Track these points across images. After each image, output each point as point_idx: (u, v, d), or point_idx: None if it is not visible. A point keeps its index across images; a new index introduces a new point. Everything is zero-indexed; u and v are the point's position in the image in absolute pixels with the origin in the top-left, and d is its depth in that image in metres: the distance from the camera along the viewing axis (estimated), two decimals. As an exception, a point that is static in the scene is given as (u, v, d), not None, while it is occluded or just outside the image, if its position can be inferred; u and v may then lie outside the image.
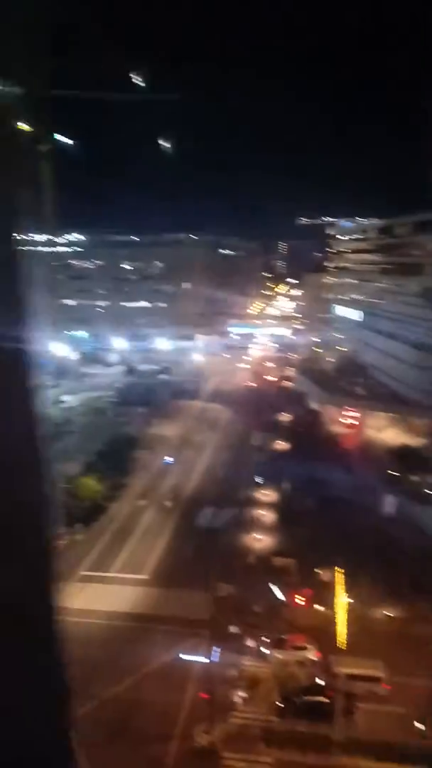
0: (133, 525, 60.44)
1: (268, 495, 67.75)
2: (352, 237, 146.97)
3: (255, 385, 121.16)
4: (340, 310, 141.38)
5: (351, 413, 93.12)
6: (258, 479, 70.83)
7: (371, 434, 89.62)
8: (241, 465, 77.20)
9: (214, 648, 36.86)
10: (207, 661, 35.37)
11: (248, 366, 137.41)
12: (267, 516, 62.50)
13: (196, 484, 71.74)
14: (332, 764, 30.98)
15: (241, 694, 35.36)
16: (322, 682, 36.50)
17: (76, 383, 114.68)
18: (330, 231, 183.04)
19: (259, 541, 56.42)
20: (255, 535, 56.71)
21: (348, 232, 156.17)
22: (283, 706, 34.56)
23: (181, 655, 37.82)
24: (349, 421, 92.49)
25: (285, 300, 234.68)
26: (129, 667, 38.45)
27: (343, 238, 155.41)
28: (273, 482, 69.72)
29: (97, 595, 47.75)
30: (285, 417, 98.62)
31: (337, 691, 33.61)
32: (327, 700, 34.32)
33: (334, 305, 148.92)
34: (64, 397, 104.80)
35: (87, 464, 68.62)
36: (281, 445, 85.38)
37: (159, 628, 43.11)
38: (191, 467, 76.86)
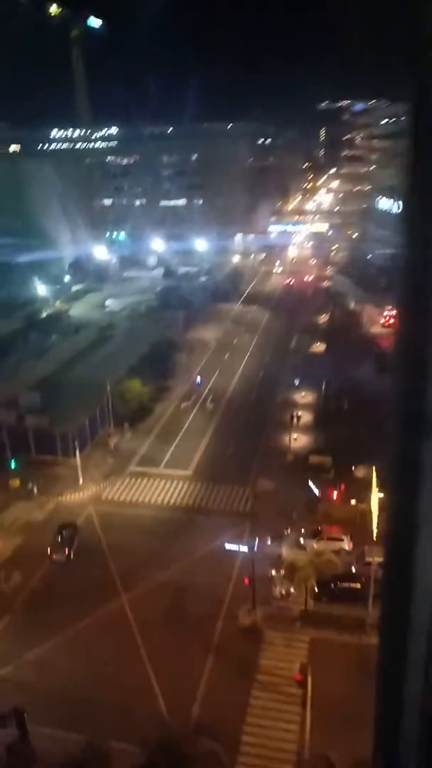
0: (177, 425, 63.30)
1: (305, 396, 69.20)
2: (383, 122, 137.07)
3: (294, 285, 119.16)
4: (382, 203, 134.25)
5: (390, 312, 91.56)
6: (296, 381, 72.07)
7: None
8: (279, 367, 78.25)
9: (256, 538, 39.87)
10: (249, 549, 38.41)
11: (287, 266, 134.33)
12: (304, 416, 64.25)
13: (236, 387, 73.58)
14: (364, 643, 34.31)
15: (281, 579, 38.65)
16: (356, 570, 39.45)
17: (117, 287, 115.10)
18: (363, 118, 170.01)
19: (297, 440, 58.56)
20: (293, 435, 58.76)
21: (374, 116, 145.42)
22: (319, 591, 37.78)
23: (225, 545, 41.09)
24: (389, 320, 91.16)
25: (324, 193, 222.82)
26: (177, 554, 42.21)
27: (377, 123, 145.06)
28: (310, 384, 70.85)
29: (147, 489, 51.45)
30: (323, 318, 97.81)
31: (369, 579, 36.36)
32: (360, 586, 37.27)
33: (375, 197, 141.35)
34: (108, 302, 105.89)
35: (132, 368, 70.80)
36: (319, 346, 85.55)
37: (204, 519, 46.63)
38: (231, 370, 78.38)
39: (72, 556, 42.38)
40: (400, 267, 2.16)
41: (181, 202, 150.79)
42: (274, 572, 39.30)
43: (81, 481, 51.22)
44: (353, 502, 46.85)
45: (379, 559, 38.45)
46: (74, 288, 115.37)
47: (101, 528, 45.85)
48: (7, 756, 25.41)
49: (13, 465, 52.05)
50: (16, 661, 33.39)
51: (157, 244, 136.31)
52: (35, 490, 50.27)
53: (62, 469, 53.41)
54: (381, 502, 42.09)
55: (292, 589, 38.14)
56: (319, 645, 34.36)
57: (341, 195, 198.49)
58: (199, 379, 73.94)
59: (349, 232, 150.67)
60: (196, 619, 36.46)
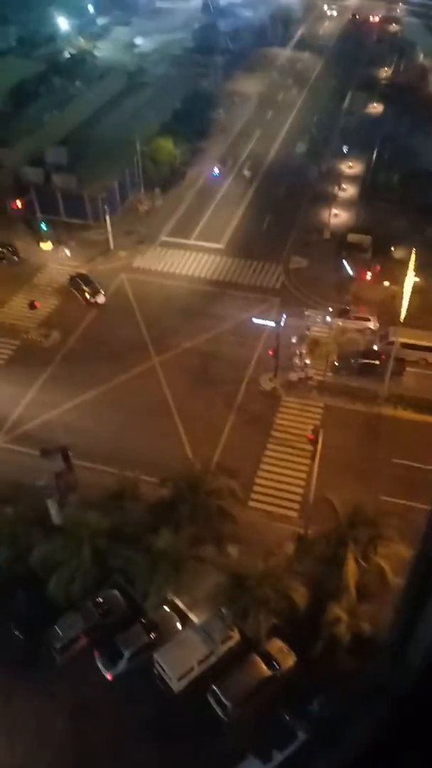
0: (210, 193, 60.14)
1: (352, 167, 63.84)
2: None
3: (355, 25, 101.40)
4: None
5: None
6: (344, 148, 65.79)
7: None
8: (327, 130, 70.80)
9: (283, 314, 40.55)
10: (275, 324, 39.38)
11: (347, 7, 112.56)
12: (349, 190, 60.13)
13: (277, 152, 67.75)
14: (374, 412, 37.00)
15: (304, 353, 40.30)
16: (378, 349, 40.68)
17: (148, 22, 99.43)
18: None
19: (337, 216, 55.70)
20: (333, 210, 55.69)
21: None
22: (339, 365, 39.56)
23: (253, 319, 42.12)
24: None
25: None
26: (206, 325, 43.64)
27: None
28: (360, 152, 64.76)
29: (178, 260, 51.10)
30: (385, 72, 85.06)
31: (389, 357, 37.70)
32: (378, 363, 38.83)
33: None
34: (137, 40, 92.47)
35: (163, 124, 64.80)
36: (376, 107, 76.04)
37: (234, 293, 47.11)
38: (273, 132, 71.36)
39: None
40: None
41: None
42: (298, 346, 40.76)
43: (112, 247, 50.86)
44: (386, 283, 46.24)
45: (402, 339, 39.44)
46: (99, 21, 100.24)
47: (133, 296, 46.92)
48: (56, 482, 29.97)
49: (44, 227, 51.38)
50: (60, 407, 37.34)
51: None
52: (67, 253, 50.46)
53: (92, 234, 52.71)
54: (413, 285, 41.47)
55: (312, 362, 39.93)
56: (332, 411, 37.27)
57: None
58: (217, 170, 63.14)
59: None
60: (221, 381, 39.25)
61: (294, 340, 40.91)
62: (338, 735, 3.31)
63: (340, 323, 43.34)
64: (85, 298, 45.59)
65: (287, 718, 23.41)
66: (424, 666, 3.06)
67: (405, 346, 39.39)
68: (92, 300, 45.51)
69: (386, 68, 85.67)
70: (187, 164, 63.48)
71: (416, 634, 3.23)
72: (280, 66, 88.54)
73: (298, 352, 40.21)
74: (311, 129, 71.19)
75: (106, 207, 51.11)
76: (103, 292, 46.00)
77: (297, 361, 39.83)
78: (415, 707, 2.90)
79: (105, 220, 50.27)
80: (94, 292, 45.70)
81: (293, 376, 39.27)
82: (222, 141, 68.87)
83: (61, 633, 26.57)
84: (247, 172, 63.46)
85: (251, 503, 32.23)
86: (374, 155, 63.16)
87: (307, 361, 39.87)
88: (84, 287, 45.96)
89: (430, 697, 2.90)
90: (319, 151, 66.53)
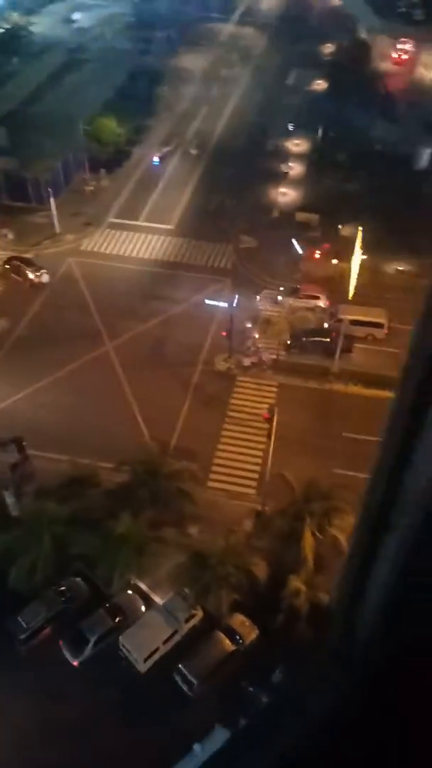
0: (157, 173, 59.27)
1: (299, 144, 63.95)
2: None
3: (295, 1, 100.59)
4: None
5: (405, 46, 79.99)
6: (290, 125, 65.73)
7: (424, 74, 78.60)
8: (272, 108, 70.49)
9: (235, 294, 40.74)
10: (228, 305, 39.58)
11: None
12: (296, 168, 60.31)
13: (222, 131, 67.17)
14: (326, 389, 37.87)
15: (256, 333, 40.68)
16: (328, 326, 41.46)
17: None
18: None
19: (285, 195, 55.92)
20: (281, 189, 55.83)
21: None
22: (291, 343, 40.16)
23: (205, 300, 42.15)
24: (402, 55, 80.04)
25: None
26: (158, 307, 43.45)
27: None
28: (306, 129, 64.83)
29: (127, 242, 50.41)
30: (328, 48, 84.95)
31: (339, 334, 38.50)
32: (329, 340, 39.59)
33: None
34: (75, 15, 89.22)
35: (106, 102, 63.19)
36: (320, 84, 76.09)
37: (185, 274, 46.90)
38: (218, 110, 70.60)
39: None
40: None
41: None
42: (250, 326, 41.08)
43: (58, 230, 49.69)
44: (335, 261, 46.89)
45: (351, 317, 40.38)
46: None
47: (83, 280, 46.11)
48: (11, 473, 29.57)
49: (-15, 211, 49.73)
50: (12, 397, 36.61)
51: None
52: (10, 237, 49.06)
53: (37, 217, 51.24)
54: (361, 262, 42.34)
55: (265, 342, 40.39)
56: (286, 389, 37.92)
57: None
58: (157, 158, 60.29)
59: None
60: (176, 364, 39.30)
61: (249, 325, 41.12)
62: (297, 705, 3.35)
63: (291, 302, 43.93)
64: (28, 279, 44.40)
65: (250, 689, 24.16)
66: (374, 635, 3.05)
67: (353, 322, 40.32)
68: (36, 281, 44.44)
69: (329, 44, 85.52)
70: (132, 143, 62.21)
71: (363, 603, 3.18)
72: (224, 42, 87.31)
73: (250, 336, 40.53)
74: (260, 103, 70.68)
75: (50, 189, 49.78)
76: (46, 271, 44.93)
77: (250, 344, 40.20)
78: (371, 676, 2.98)
79: (49, 202, 48.99)
80: (36, 272, 44.70)
81: (247, 362, 39.61)
82: (167, 119, 67.70)
83: (24, 624, 26.53)
84: (193, 151, 62.75)
85: (210, 483, 32.69)
86: (320, 133, 63.40)
87: (260, 345, 40.26)
88: (24, 268, 44.86)
89: (384, 665, 2.97)
90: (265, 129, 66.27)
